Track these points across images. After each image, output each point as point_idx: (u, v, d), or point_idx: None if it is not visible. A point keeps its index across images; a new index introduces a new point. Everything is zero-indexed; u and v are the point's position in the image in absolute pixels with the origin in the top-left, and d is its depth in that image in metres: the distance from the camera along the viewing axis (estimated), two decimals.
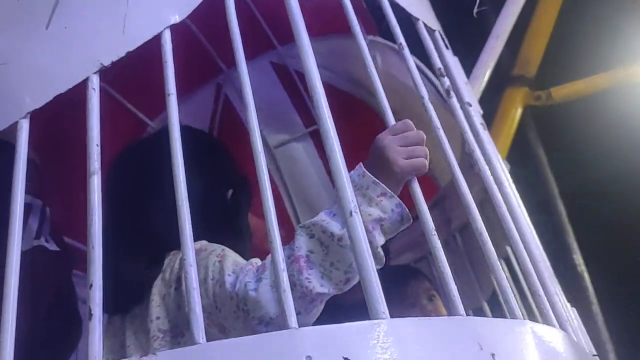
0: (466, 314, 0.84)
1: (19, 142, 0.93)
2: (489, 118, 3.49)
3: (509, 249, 1.83)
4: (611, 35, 3.73)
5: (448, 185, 2.17)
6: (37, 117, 1.58)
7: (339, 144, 0.93)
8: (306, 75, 0.99)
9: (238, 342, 0.74)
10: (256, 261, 1.07)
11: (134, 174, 1.31)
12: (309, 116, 2.62)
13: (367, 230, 0.91)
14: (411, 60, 1.21)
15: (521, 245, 1.04)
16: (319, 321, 0.97)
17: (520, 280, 1.70)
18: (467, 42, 3.19)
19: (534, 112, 3.87)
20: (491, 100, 3.41)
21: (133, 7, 0.98)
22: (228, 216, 1.31)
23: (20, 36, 0.97)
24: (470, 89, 1.60)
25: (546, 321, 0.97)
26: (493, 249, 0.96)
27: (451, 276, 0.86)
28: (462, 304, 0.84)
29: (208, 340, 0.73)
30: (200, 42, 2.17)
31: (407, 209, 1.02)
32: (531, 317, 1.46)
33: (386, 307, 0.78)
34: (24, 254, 1.43)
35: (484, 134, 1.33)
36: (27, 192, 1.49)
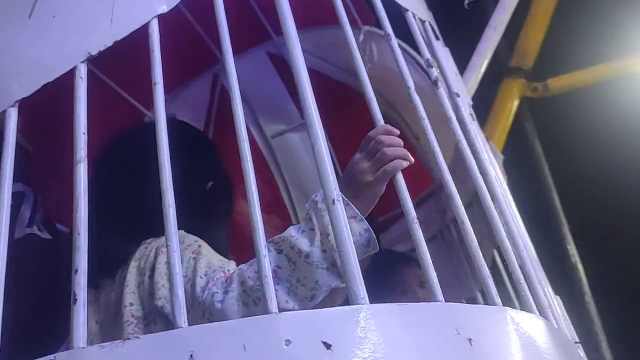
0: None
1: (7, 130, 0.94)
2: (486, 109, 3.50)
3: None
4: (608, 27, 3.73)
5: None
6: (30, 107, 1.59)
7: (323, 133, 0.94)
8: (291, 64, 1.00)
9: (219, 326, 0.75)
10: (229, 268, 1.09)
11: (121, 161, 1.33)
12: None
13: (332, 250, 0.96)
14: (398, 50, 1.22)
15: (503, 234, 1.06)
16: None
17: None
18: (465, 33, 3.19)
19: (531, 104, 3.87)
20: (488, 92, 3.42)
21: None
22: (205, 206, 1.32)
23: (7, 26, 0.99)
24: (460, 80, 1.61)
25: (526, 308, 0.99)
26: (474, 237, 0.97)
27: (431, 263, 0.88)
28: (457, 293, 0.87)
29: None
30: (196, 32, 2.18)
31: (375, 236, 1.04)
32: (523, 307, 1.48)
33: (366, 293, 0.80)
34: (16, 242, 1.46)
35: (472, 125, 1.34)
36: (19, 180, 1.52)
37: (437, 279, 0.86)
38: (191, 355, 0.71)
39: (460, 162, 1.19)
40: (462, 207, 1.00)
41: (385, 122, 2.53)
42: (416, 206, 2.75)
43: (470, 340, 0.82)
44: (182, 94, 2.37)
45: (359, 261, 1.59)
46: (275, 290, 0.98)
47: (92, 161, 1.32)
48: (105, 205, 1.21)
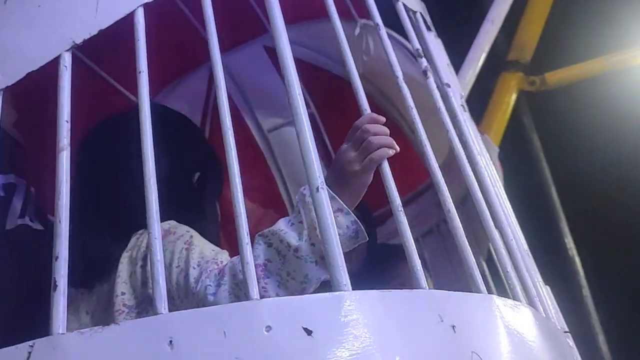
0: None
1: None
2: (483, 103, 3.49)
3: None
4: (606, 20, 3.72)
5: (442, 166, 2.18)
6: (23, 98, 1.60)
7: (308, 122, 0.94)
8: (278, 53, 1.00)
9: (200, 312, 0.76)
10: (222, 259, 1.09)
11: (105, 150, 1.32)
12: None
13: (321, 243, 0.94)
14: (387, 40, 1.22)
15: (491, 223, 1.05)
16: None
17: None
18: (463, 26, 3.19)
19: (529, 97, 3.86)
20: (486, 85, 3.41)
21: None
22: (194, 197, 1.33)
23: None
24: (452, 71, 1.60)
25: (513, 296, 0.99)
26: (460, 227, 0.97)
27: (415, 251, 0.87)
28: (454, 285, 0.87)
29: None
30: (192, 25, 2.18)
31: (363, 227, 1.04)
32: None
33: (348, 280, 0.80)
34: (8, 233, 1.46)
35: (463, 115, 1.33)
36: (11, 171, 1.52)
37: (420, 266, 0.86)
38: (170, 341, 0.71)
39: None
40: (449, 195, 1.00)
41: (382, 115, 2.53)
42: (413, 199, 2.75)
43: (453, 327, 0.82)
44: (180, 86, 2.38)
45: (354, 253, 1.60)
46: (266, 284, 1.00)
47: (75, 149, 1.33)
48: (91, 198, 1.21)
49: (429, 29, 1.50)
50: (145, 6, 1.00)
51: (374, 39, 2.17)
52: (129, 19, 1.00)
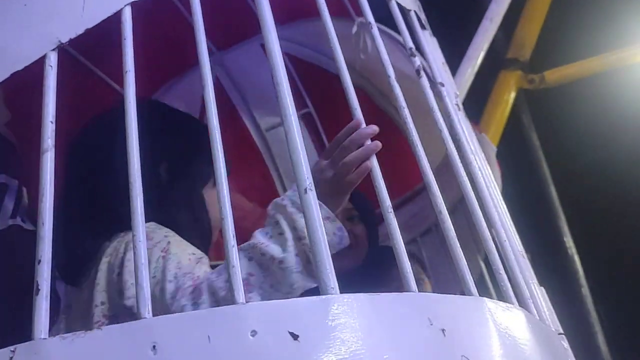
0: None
1: None
2: (482, 101, 3.49)
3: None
4: (605, 18, 3.71)
5: (439, 166, 2.17)
6: (16, 99, 1.59)
7: (297, 122, 0.93)
8: (267, 51, 0.99)
9: (184, 316, 0.74)
10: (199, 272, 1.06)
11: (91, 148, 1.31)
12: (300, 99, 2.62)
13: (307, 252, 0.96)
14: (379, 39, 1.21)
15: (484, 224, 1.04)
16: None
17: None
18: (461, 24, 3.18)
19: (528, 96, 3.86)
20: (485, 84, 3.40)
21: None
22: (161, 191, 1.25)
23: None
24: (447, 70, 1.59)
25: (505, 299, 0.98)
26: (452, 227, 0.96)
27: (405, 253, 0.86)
28: (452, 285, 0.85)
29: None
30: (189, 24, 2.17)
31: (347, 233, 1.05)
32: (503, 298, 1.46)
33: (336, 283, 0.78)
34: (0, 233, 1.45)
35: (457, 115, 1.32)
36: (3, 172, 1.51)
37: (410, 268, 0.85)
38: (154, 346, 0.70)
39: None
40: (440, 196, 0.98)
41: (380, 114, 2.51)
42: (412, 198, 2.74)
43: (443, 330, 0.80)
44: (177, 85, 2.37)
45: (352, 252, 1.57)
46: (249, 299, 0.97)
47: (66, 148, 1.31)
48: (77, 195, 1.20)
49: (423, 27, 1.49)
50: (133, 5, 0.99)
51: (371, 37, 2.16)
52: (117, 18, 0.99)
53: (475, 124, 2.73)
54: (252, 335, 0.72)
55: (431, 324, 0.80)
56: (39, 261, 0.75)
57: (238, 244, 1.03)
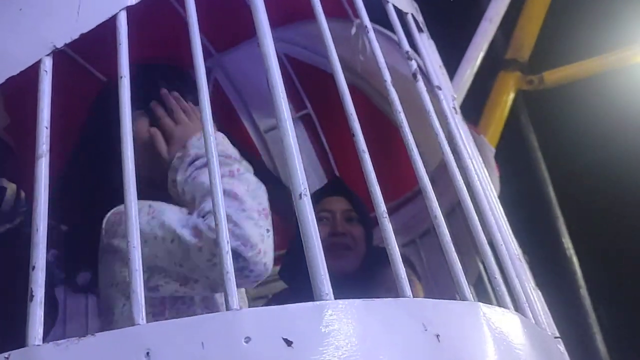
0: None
1: None
2: (481, 102, 3.49)
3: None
4: (604, 19, 3.71)
5: (436, 169, 2.17)
6: (15, 103, 1.58)
7: (292, 126, 0.93)
8: (262, 54, 0.99)
9: (177, 323, 0.74)
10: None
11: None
12: (299, 101, 2.62)
13: None
14: (376, 43, 1.21)
15: (479, 228, 1.04)
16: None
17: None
18: (460, 25, 3.18)
19: (527, 97, 3.86)
20: (483, 85, 3.40)
21: None
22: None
23: None
24: (445, 73, 1.59)
25: (501, 303, 0.98)
26: (447, 231, 0.96)
27: (399, 258, 0.86)
28: (450, 285, 0.86)
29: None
30: (186, 23, 2.16)
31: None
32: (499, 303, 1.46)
33: (330, 289, 0.78)
34: None
35: (454, 118, 1.32)
36: (2, 175, 1.51)
37: (405, 274, 0.85)
38: (147, 353, 0.70)
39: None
40: (435, 201, 0.98)
41: (379, 115, 2.50)
42: (410, 200, 2.73)
43: (437, 336, 0.80)
44: None
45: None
46: None
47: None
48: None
49: (420, 30, 1.49)
50: (128, 9, 0.99)
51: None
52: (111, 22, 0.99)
53: (474, 125, 2.74)
54: (246, 342, 0.72)
55: (426, 330, 0.80)
56: (33, 267, 0.75)
57: None
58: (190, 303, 1.13)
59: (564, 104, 3.91)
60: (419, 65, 1.30)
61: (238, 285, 0.79)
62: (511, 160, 2.97)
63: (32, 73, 0.95)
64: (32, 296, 0.74)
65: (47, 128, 0.85)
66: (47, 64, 0.92)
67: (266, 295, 2.29)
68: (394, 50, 1.80)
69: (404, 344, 0.78)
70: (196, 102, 0.99)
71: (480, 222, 1.07)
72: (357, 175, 1.15)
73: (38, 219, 0.79)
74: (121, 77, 0.91)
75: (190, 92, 1.30)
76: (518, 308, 1.01)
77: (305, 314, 0.76)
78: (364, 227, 2.06)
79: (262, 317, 0.75)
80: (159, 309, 1.11)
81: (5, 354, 0.70)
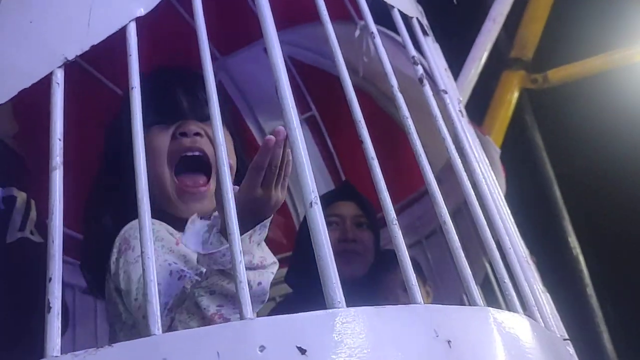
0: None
1: None
2: (486, 101, 3.49)
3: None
4: (608, 17, 3.70)
5: (442, 169, 2.18)
6: (24, 112, 1.59)
7: (302, 135, 0.93)
8: (270, 60, 0.99)
9: (193, 333, 0.75)
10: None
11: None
12: (304, 103, 2.63)
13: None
14: (382, 48, 1.21)
15: (488, 232, 1.05)
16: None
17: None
18: (464, 25, 3.18)
19: (531, 95, 3.85)
20: (488, 84, 3.40)
21: (98, 0, 0.99)
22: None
23: None
24: (450, 76, 1.60)
25: (510, 307, 0.98)
26: (456, 237, 0.97)
27: (410, 265, 0.87)
28: (457, 286, 0.86)
29: None
30: (193, 30, 2.17)
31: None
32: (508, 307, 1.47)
33: (342, 297, 0.79)
34: (8, 246, 1.46)
35: (461, 122, 1.33)
36: (12, 185, 1.53)
37: (415, 281, 0.85)
38: None
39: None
40: (444, 206, 0.99)
41: (385, 117, 2.50)
42: (417, 200, 2.73)
43: (449, 342, 0.81)
44: None
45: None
46: None
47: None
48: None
49: (425, 33, 1.49)
50: (137, 20, 1.00)
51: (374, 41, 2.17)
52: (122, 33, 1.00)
53: (478, 124, 2.74)
54: (261, 351, 0.72)
55: (437, 336, 0.81)
56: (50, 279, 0.76)
57: None
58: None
59: (568, 103, 3.90)
60: (425, 70, 1.31)
61: None
62: (516, 159, 2.98)
63: (40, 82, 0.96)
64: (49, 307, 0.75)
65: (60, 140, 0.86)
66: (59, 76, 0.93)
67: (273, 297, 2.30)
68: (399, 52, 1.81)
69: (417, 350, 0.79)
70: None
71: (488, 225, 1.08)
72: (363, 176, 1.16)
73: (54, 230, 0.80)
74: (132, 88, 0.92)
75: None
76: (527, 311, 1.02)
77: (319, 322, 0.77)
78: (373, 232, 2.06)
79: (275, 326, 0.76)
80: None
81: None
